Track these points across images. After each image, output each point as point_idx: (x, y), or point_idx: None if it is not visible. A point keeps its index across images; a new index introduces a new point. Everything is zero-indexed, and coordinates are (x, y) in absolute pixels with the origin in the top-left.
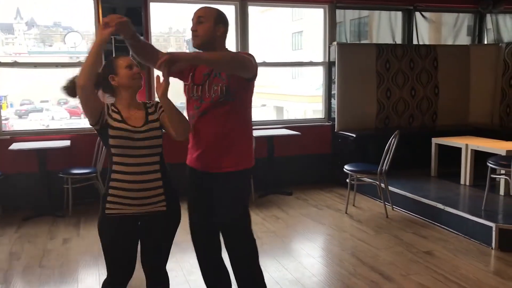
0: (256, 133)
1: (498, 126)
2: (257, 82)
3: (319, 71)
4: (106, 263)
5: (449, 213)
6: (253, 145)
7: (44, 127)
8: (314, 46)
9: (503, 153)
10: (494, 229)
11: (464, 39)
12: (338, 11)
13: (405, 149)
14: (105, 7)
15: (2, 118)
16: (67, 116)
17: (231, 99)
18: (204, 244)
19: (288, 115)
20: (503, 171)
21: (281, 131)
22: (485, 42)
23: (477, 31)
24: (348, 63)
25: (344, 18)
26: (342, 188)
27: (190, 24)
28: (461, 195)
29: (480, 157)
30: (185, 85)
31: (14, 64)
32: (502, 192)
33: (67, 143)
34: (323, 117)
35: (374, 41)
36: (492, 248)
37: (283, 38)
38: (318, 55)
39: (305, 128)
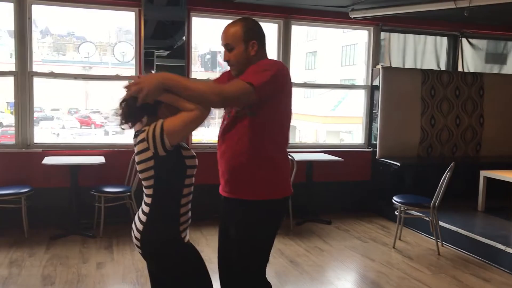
0: (295, 156)
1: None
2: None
3: (335, 92)
4: None
5: (511, 254)
6: (284, 173)
7: (55, 136)
8: (327, 67)
9: None
10: None
11: (510, 68)
12: (383, 34)
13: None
14: (148, 20)
15: (13, 124)
16: (77, 125)
17: (249, 113)
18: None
19: (300, 135)
20: None
21: (321, 156)
22: None
23: None
24: (392, 87)
25: (389, 41)
26: (382, 219)
27: (205, 39)
28: None
29: None
30: None
31: (50, 75)
32: None
33: (101, 159)
34: (363, 142)
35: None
36: None
37: (297, 57)
38: (333, 76)
39: (344, 154)
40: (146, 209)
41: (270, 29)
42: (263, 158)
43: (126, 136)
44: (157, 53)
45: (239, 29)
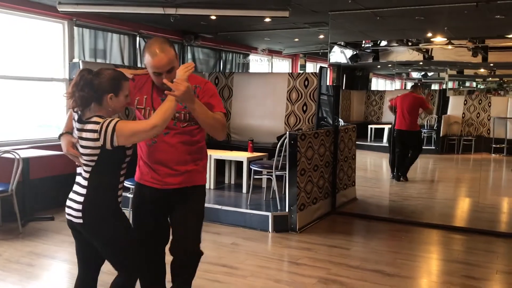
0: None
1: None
2: None
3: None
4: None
5: (226, 211)
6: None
7: None
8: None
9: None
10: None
11: None
12: (76, 29)
13: None
14: None
15: None
16: None
17: (194, 123)
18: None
19: None
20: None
21: (39, 152)
22: None
23: (180, 60)
24: None
25: (82, 36)
26: None
27: None
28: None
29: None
30: (141, 109)
31: None
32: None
33: None
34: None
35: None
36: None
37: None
38: (54, 71)
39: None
40: (84, 183)
41: None
42: (205, 153)
43: None
44: None
45: (173, 50)
